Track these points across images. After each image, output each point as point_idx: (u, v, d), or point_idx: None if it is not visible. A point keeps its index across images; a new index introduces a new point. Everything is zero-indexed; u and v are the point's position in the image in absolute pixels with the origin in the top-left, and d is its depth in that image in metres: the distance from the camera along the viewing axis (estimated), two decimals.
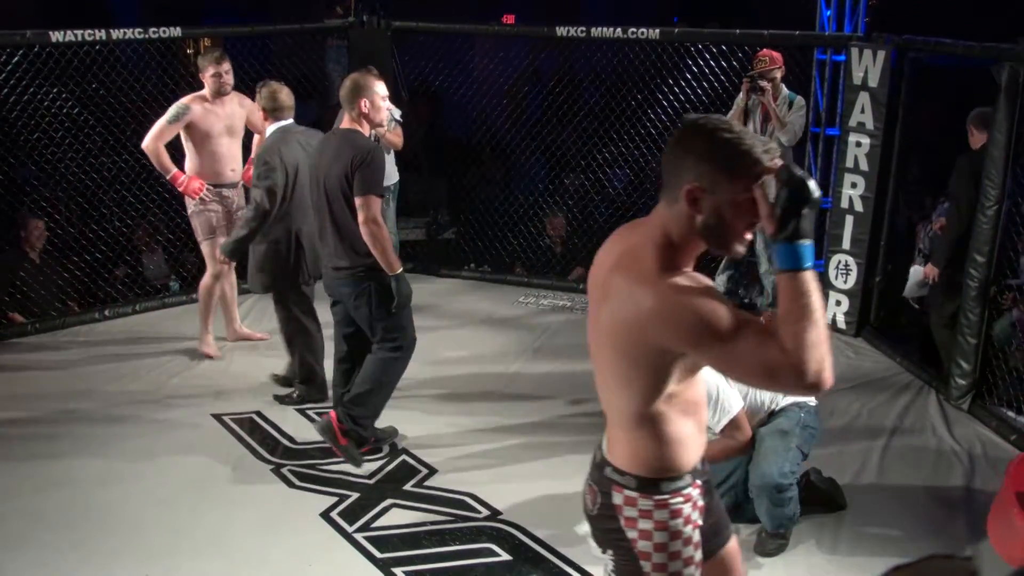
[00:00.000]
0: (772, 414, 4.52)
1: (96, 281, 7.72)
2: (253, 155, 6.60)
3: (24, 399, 6.07)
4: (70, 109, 7.48)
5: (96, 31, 7.02)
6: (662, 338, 2.27)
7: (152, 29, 7.23)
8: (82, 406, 5.96)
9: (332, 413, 5.21)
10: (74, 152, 7.52)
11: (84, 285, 7.67)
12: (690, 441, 2.51)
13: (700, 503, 2.55)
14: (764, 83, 6.85)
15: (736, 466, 4.49)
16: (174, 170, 6.38)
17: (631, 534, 2.51)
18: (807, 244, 2.18)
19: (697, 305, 2.20)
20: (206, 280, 6.64)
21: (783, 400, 4.50)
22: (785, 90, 6.96)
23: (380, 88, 4.98)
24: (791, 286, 2.18)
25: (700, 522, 2.55)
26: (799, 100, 6.97)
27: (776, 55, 6.95)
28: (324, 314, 5.62)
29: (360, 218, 4.85)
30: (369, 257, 4.93)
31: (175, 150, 6.47)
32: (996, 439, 5.61)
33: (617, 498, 2.53)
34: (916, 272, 6.55)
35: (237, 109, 6.49)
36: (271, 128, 5.64)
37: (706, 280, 2.31)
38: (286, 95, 5.68)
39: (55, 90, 7.39)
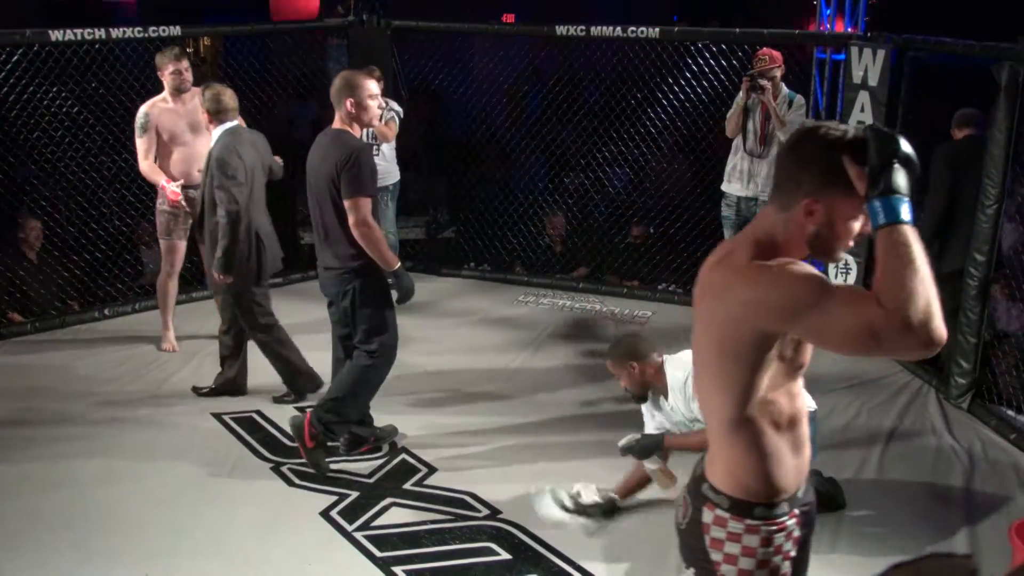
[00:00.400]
0: None
1: (96, 280, 7.72)
2: None
3: (23, 398, 6.06)
4: (70, 108, 7.48)
5: (96, 30, 7.02)
6: (758, 319, 2.22)
7: (152, 28, 7.23)
8: (81, 405, 5.95)
9: (308, 413, 5.17)
10: (74, 151, 7.51)
11: (84, 284, 7.67)
12: (787, 461, 2.39)
13: (796, 534, 2.43)
14: (764, 82, 6.85)
15: None
16: (163, 180, 6.43)
17: (715, 556, 2.41)
18: (902, 198, 2.07)
19: (786, 275, 2.17)
20: (161, 278, 6.75)
21: None
22: (785, 89, 6.96)
23: (370, 87, 4.91)
24: (888, 239, 2.06)
25: (793, 554, 2.43)
26: (799, 99, 6.97)
27: (776, 54, 6.95)
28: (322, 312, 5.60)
29: (351, 221, 4.80)
30: (355, 260, 4.90)
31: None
32: (996, 438, 5.61)
33: (707, 516, 2.42)
34: None
35: (198, 106, 6.51)
36: (218, 131, 5.62)
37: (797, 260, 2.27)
38: (230, 97, 5.70)
39: (55, 89, 7.38)
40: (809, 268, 2.19)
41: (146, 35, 7.20)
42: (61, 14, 9.17)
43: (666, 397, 4.59)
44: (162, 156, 6.49)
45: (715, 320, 2.32)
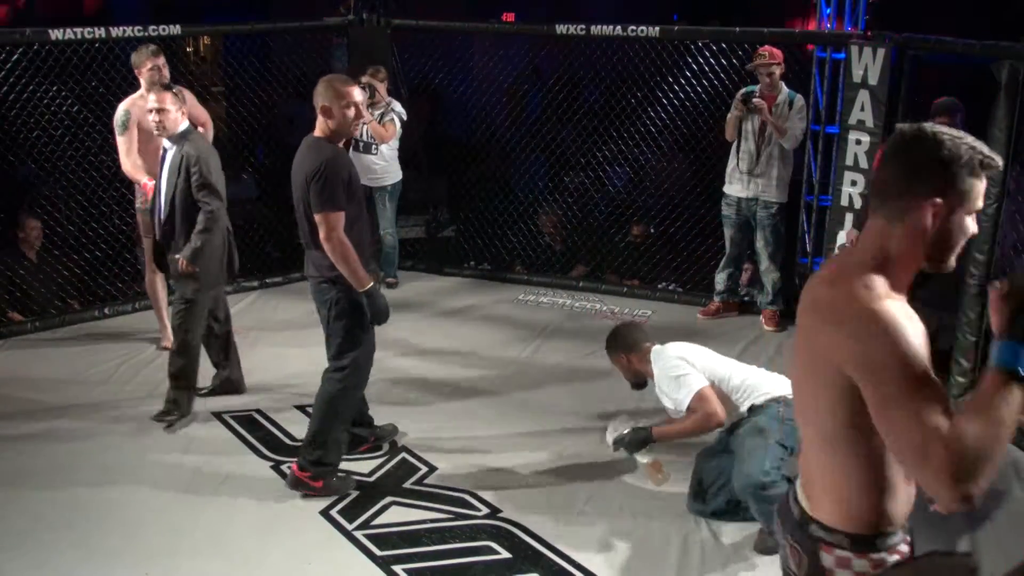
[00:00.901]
0: (750, 410, 4.56)
1: (96, 279, 7.72)
2: None
3: (24, 397, 6.07)
4: (70, 107, 7.47)
5: (96, 29, 7.02)
6: (844, 360, 2.11)
7: (152, 27, 7.23)
8: (81, 404, 5.95)
9: (294, 465, 4.95)
10: (73, 150, 7.51)
11: (84, 283, 7.67)
12: (900, 487, 2.27)
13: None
14: (759, 101, 6.86)
15: (727, 465, 4.52)
16: (144, 179, 6.35)
17: None
18: None
19: (890, 339, 2.05)
20: (149, 277, 6.72)
21: (759, 397, 4.54)
22: (785, 89, 6.95)
23: (354, 94, 4.68)
24: (995, 386, 1.96)
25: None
26: (799, 100, 6.95)
27: (776, 51, 6.94)
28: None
29: (321, 236, 4.59)
30: (332, 270, 4.69)
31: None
32: None
33: (827, 559, 2.28)
34: None
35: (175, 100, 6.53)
36: (181, 128, 5.56)
37: (913, 315, 2.17)
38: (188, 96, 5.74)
39: (55, 88, 7.38)
40: (920, 341, 2.10)
41: (146, 34, 7.19)
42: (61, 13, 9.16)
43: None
44: (141, 153, 6.45)
45: (816, 340, 2.22)
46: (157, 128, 5.49)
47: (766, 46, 6.97)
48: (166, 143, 5.58)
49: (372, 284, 4.75)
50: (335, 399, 4.90)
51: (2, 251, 7.47)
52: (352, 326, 4.81)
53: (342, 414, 4.95)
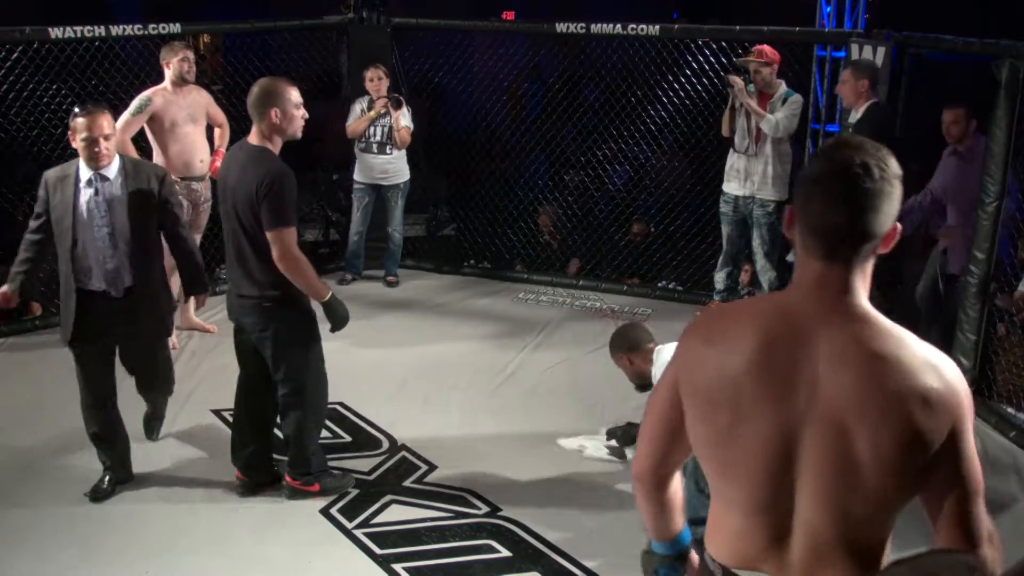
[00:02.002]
0: None
1: None
2: (218, 147, 6.74)
3: (28, 393, 6.09)
4: (69, 105, 7.46)
5: (96, 27, 7.03)
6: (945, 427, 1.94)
7: (152, 25, 7.24)
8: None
9: (287, 477, 4.90)
10: (73, 149, 7.49)
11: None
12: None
13: None
14: (734, 78, 6.81)
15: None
16: None
17: None
18: None
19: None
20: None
21: None
22: (783, 88, 6.87)
23: (294, 96, 4.43)
24: None
25: None
26: (794, 97, 6.81)
27: (768, 50, 6.84)
28: None
29: (275, 255, 4.37)
30: (275, 289, 4.48)
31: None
32: (996, 435, 5.61)
33: None
34: None
35: (198, 98, 6.63)
36: None
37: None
38: None
39: (54, 87, 7.38)
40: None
41: (146, 32, 7.20)
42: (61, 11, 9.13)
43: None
44: (161, 147, 6.51)
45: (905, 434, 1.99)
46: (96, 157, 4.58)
47: (763, 45, 6.93)
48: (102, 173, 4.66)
49: (330, 293, 4.67)
50: (303, 421, 4.78)
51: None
52: (303, 344, 4.69)
53: (315, 429, 4.90)
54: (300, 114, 4.48)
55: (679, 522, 2.40)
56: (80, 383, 4.89)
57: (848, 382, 1.92)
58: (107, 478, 4.92)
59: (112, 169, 4.64)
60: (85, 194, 4.61)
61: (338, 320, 4.74)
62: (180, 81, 6.49)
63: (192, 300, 6.71)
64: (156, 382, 5.21)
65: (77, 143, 4.57)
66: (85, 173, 4.62)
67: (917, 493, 2.00)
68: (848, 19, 7.33)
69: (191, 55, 6.55)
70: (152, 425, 5.46)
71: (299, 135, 4.54)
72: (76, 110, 4.60)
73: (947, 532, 2.01)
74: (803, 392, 1.95)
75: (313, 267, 4.59)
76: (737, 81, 6.79)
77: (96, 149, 4.53)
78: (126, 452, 5.03)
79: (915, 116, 6.88)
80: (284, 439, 4.91)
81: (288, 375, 4.68)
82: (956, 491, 1.97)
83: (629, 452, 4.80)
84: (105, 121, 4.57)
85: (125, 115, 6.37)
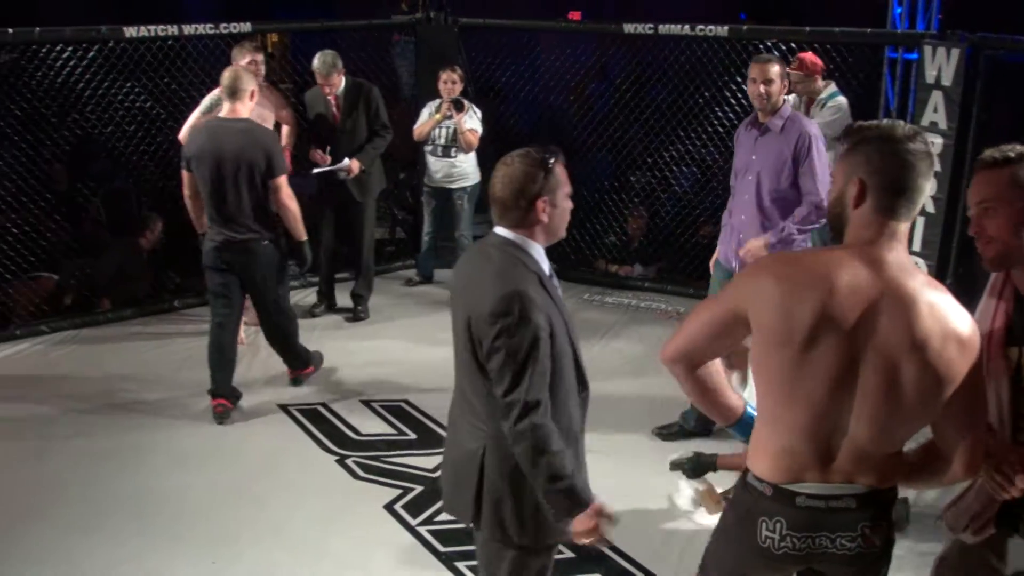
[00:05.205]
0: None
1: (167, 272, 7.85)
2: (284, 145, 6.76)
3: (103, 383, 6.23)
4: (143, 103, 7.60)
5: (168, 26, 7.14)
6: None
7: (223, 24, 7.32)
8: (154, 392, 6.08)
9: (288, 371, 6.16)
10: (146, 145, 7.64)
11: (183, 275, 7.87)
12: None
13: None
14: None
15: None
16: None
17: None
18: None
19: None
20: None
21: None
22: (826, 92, 6.69)
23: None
24: None
25: None
26: (832, 101, 6.63)
27: (809, 60, 6.67)
28: None
29: (284, 195, 5.59)
30: (271, 229, 5.67)
31: None
32: None
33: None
34: None
35: (266, 97, 6.63)
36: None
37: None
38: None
39: (128, 84, 7.50)
40: None
41: (217, 31, 7.29)
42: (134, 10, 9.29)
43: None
44: None
45: (954, 360, 2.44)
46: None
47: (805, 54, 6.78)
48: None
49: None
50: (286, 325, 5.97)
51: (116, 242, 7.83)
52: (282, 271, 5.82)
53: (293, 329, 6.05)
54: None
55: (737, 400, 2.77)
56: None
57: (902, 323, 2.33)
58: None
59: None
60: None
61: (311, 255, 5.99)
62: None
63: None
64: None
65: None
66: None
67: (935, 418, 2.45)
68: (921, 20, 7.19)
69: (260, 57, 6.61)
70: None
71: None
72: None
73: (950, 436, 2.49)
74: (863, 329, 2.34)
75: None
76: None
77: None
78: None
79: (993, 122, 6.73)
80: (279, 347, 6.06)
81: (275, 292, 5.82)
82: (968, 415, 2.45)
83: (698, 484, 4.66)
84: None
85: (195, 114, 6.46)
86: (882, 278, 2.36)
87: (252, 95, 5.51)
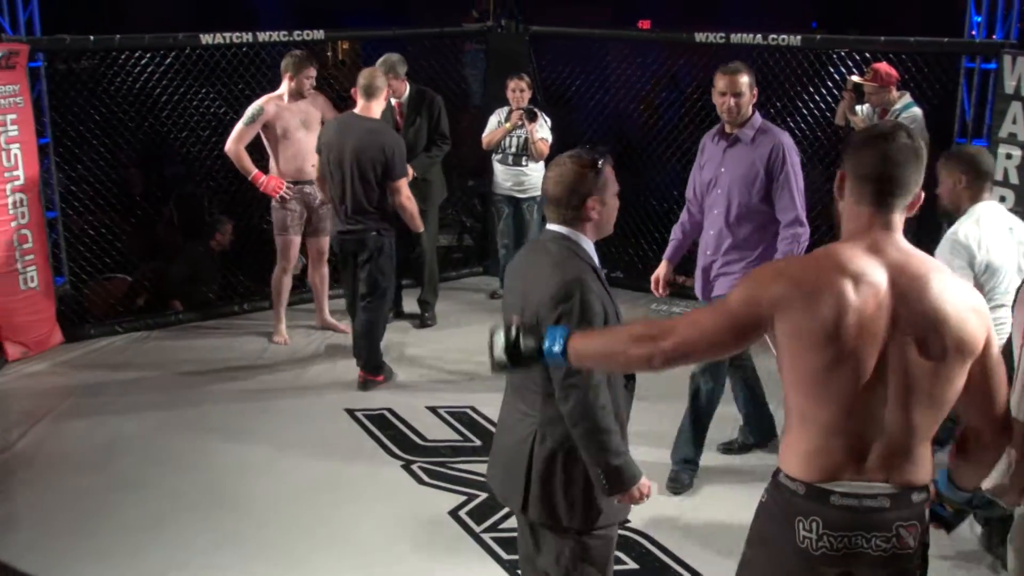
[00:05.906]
0: None
1: (236, 275, 7.95)
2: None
3: (173, 384, 6.35)
4: (217, 108, 7.71)
5: (243, 34, 7.25)
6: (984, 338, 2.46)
7: (296, 32, 7.42)
8: (222, 394, 6.17)
9: (360, 373, 6.24)
10: (219, 150, 7.74)
11: (253, 279, 7.97)
12: None
13: None
14: (847, 92, 6.70)
15: None
16: (254, 171, 6.67)
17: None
18: None
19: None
20: (276, 273, 6.95)
21: None
22: (899, 104, 6.58)
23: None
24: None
25: None
26: (906, 112, 6.52)
27: (883, 71, 6.58)
28: None
29: (403, 196, 6.01)
30: (386, 222, 6.09)
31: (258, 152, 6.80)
32: None
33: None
34: None
35: (311, 105, 6.77)
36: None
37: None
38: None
39: (203, 90, 7.62)
40: None
41: (291, 38, 7.38)
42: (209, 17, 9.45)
43: None
44: (274, 153, 6.71)
45: (969, 339, 2.49)
46: None
47: (880, 64, 6.68)
48: None
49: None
50: (374, 323, 6.14)
51: (193, 246, 7.99)
52: (391, 265, 6.07)
53: (381, 332, 6.26)
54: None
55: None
56: None
57: (919, 302, 2.39)
58: None
59: None
60: None
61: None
62: (297, 96, 6.65)
63: (327, 300, 6.93)
64: None
65: None
66: None
67: (961, 392, 2.47)
68: (999, 29, 7.06)
69: (313, 72, 6.71)
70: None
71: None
72: None
73: (978, 414, 2.55)
74: (885, 317, 2.39)
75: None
76: (847, 96, 6.67)
77: None
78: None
79: None
80: (365, 339, 6.24)
81: (378, 284, 6.10)
82: (989, 383, 2.49)
83: None
84: None
85: (239, 125, 6.60)
86: (886, 263, 2.43)
87: (384, 95, 6.07)
